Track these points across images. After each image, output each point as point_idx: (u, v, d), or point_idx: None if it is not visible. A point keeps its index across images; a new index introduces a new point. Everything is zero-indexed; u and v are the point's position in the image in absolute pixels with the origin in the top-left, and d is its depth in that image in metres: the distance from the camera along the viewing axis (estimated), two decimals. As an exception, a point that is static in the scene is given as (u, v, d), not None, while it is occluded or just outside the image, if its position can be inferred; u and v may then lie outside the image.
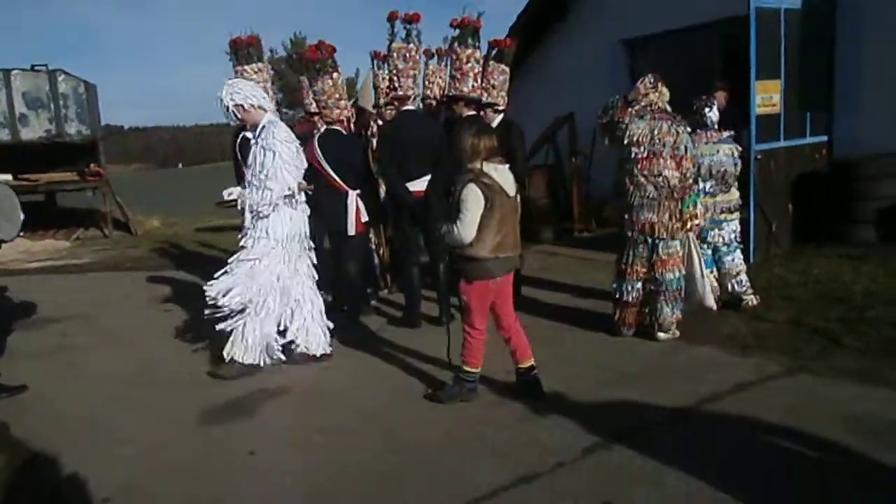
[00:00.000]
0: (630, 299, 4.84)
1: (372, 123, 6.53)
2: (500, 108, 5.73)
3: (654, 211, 4.66)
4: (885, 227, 6.62)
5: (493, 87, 5.67)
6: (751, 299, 5.34)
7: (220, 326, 4.65)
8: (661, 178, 4.61)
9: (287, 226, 4.64)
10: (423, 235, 5.55)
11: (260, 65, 5.62)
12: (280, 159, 4.48)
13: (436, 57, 6.57)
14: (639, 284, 4.82)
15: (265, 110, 4.62)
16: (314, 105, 5.94)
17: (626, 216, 4.77)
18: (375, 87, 6.54)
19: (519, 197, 3.98)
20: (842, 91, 7.24)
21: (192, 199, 17.21)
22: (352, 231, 5.48)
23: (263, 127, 4.55)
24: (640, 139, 4.64)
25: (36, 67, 12.19)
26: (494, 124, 5.49)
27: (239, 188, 4.71)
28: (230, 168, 6.16)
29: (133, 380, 4.77)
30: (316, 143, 5.49)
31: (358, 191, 5.52)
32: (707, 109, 5.19)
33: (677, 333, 4.82)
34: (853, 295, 5.34)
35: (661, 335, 4.81)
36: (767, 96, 6.59)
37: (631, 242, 4.79)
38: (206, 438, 3.78)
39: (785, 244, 6.89)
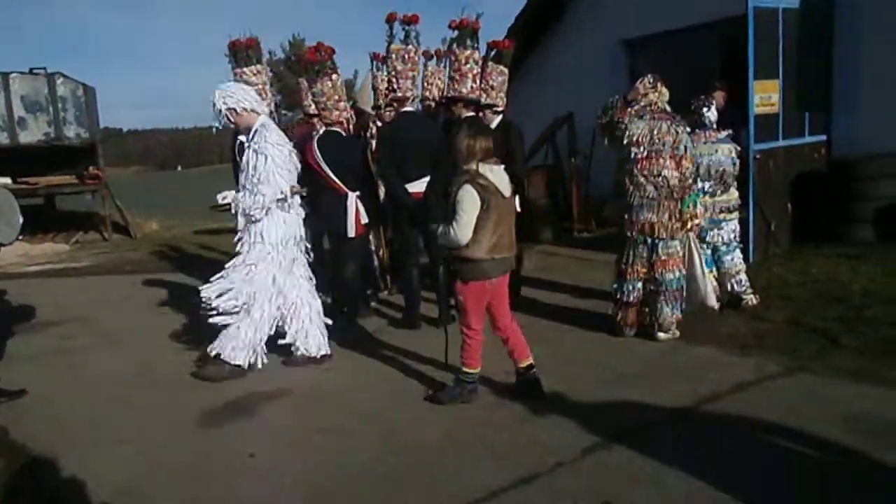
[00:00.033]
0: (631, 299, 4.84)
1: (371, 125, 6.53)
2: (499, 109, 5.73)
3: (654, 211, 4.67)
4: (883, 227, 6.63)
5: (492, 88, 5.67)
6: (750, 299, 5.35)
7: (213, 320, 4.63)
8: (660, 178, 4.61)
9: (281, 229, 4.63)
10: (423, 237, 5.54)
11: (259, 67, 5.62)
12: (272, 163, 4.48)
13: (435, 58, 6.56)
14: (639, 284, 4.82)
15: (258, 113, 4.61)
16: (313, 107, 5.95)
17: (626, 216, 4.77)
18: (374, 89, 6.54)
19: (517, 197, 3.98)
20: (840, 91, 7.25)
21: (191, 202, 17.20)
22: (351, 233, 5.48)
23: (256, 130, 4.55)
24: (640, 139, 4.64)
25: (34, 71, 12.18)
26: (493, 125, 5.50)
27: (232, 192, 4.70)
28: (229, 170, 6.16)
29: (133, 381, 4.78)
30: (315, 145, 5.49)
31: (357, 192, 5.52)
32: (705, 109, 5.20)
33: (677, 333, 4.82)
34: (851, 294, 5.36)
35: (660, 335, 4.81)
36: (766, 96, 6.60)
37: (631, 242, 4.80)
38: (205, 439, 3.78)
39: (784, 244, 6.90)
